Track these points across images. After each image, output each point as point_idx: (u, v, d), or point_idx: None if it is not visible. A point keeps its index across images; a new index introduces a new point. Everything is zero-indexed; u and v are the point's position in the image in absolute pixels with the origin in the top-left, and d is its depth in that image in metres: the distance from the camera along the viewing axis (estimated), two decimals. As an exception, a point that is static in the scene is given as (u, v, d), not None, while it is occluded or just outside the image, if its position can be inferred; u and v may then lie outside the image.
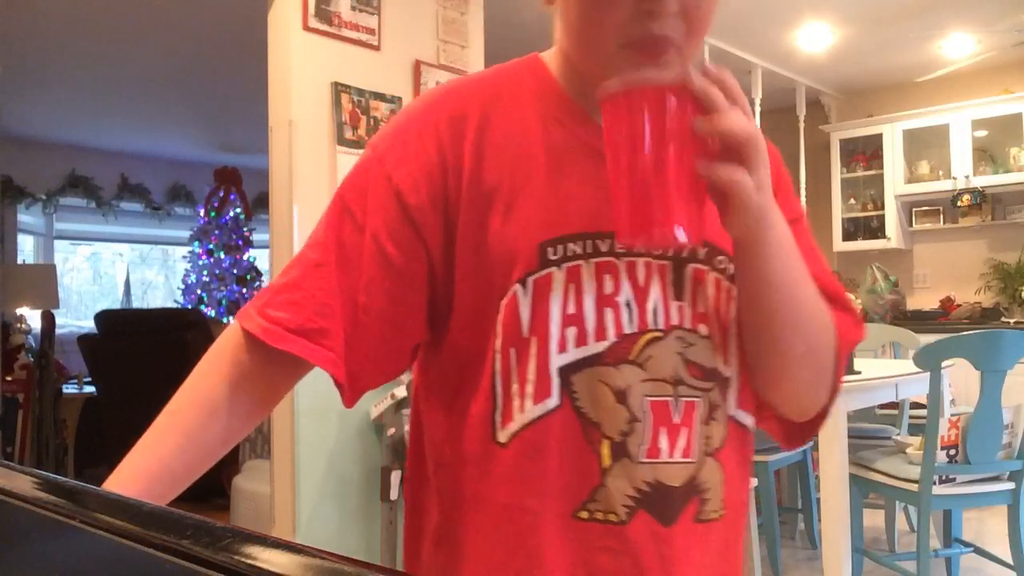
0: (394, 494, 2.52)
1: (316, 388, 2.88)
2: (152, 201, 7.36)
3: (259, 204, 7.22)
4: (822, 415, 0.83)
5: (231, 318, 6.93)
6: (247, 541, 0.35)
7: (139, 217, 7.37)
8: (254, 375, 0.77)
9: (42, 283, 5.23)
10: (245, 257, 7.21)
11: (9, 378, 4.48)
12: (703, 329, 0.77)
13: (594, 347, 0.74)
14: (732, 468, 0.79)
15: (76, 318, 7.29)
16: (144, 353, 4.64)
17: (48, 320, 4.47)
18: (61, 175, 6.79)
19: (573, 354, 0.74)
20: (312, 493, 2.61)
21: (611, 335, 0.74)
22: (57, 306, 5.13)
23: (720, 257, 0.78)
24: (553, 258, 0.74)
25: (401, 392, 2.56)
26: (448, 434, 0.79)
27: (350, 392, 0.77)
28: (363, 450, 2.72)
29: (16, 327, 4.99)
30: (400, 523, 2.62)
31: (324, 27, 2.70)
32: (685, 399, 0.75)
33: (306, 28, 2.65)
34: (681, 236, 0.65)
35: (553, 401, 0.73)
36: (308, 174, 2.65)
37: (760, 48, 4.66)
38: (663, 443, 0.74)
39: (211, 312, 6.87)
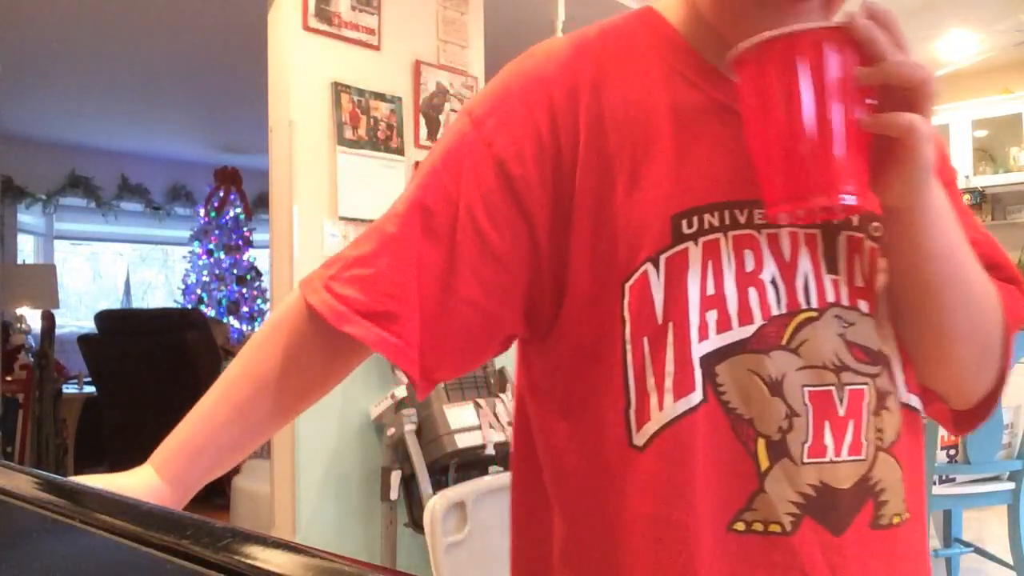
0: (394, 494, 2.52)
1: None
2: (152, 201, 7.37)
3: (259, 204, 7.21)
4: (990, 401, 0.72)
5: (231, 318, 6.95)
6: (247, 541, 0.35)
7: (139, 217, 7.37)
8: (312, 351, 0.70)
9: (42, 283, 5.23)
10: (245, 257, 7.21)
11: (9, 378, 4.48)
12: (863, 305, 0.67)
13: (739, 332, 0.64)
14: (910, 463, 0.68)
15: (76, 318, 7.28)
16: (144, 353, 4.64)
17: (48, 320, 4.47)
18: (61, 175, 6.79)
19: (715, 341, 0.64)
20: (312, 493, 2.60)
21: (757, 317, 0.64)
22: (57, 306, 5.13)
23: (875, 224, 0.68)
24: (688, 232, 0.65)
25: (401, 392, 2.56)
26: (571, 440, 0.69)
27: (423, 384, 0.70)
28: (363, 450, 2.72)
29: (16, 327, 4.99)
30: (400, 522, 2.62)
31: (324, 27, 2.70)
32: (850, 387, 0.65)
33: (306, 28, 2.65)
34: (849, 201, 0.57)
35: (697, 396, 0.64)
36: (308, 174, 2.65)
37: (760, 48, 4.66)
38: (828, 440, 0.64)
39: (211, 312, 6.87)
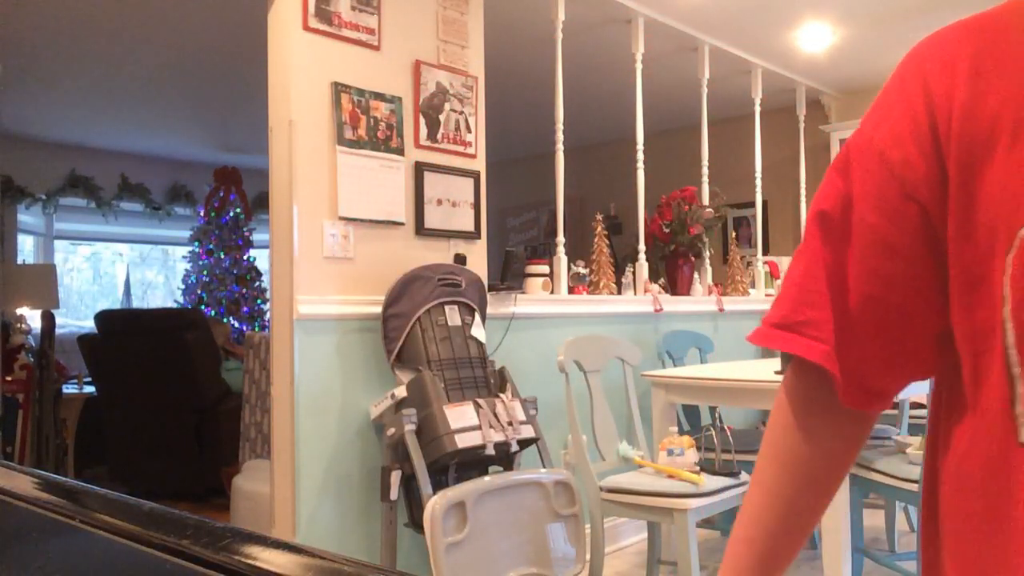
0: (394, 494, 2.52)
1: (316, 387, 2.85)
2: (152, 201, 7.37)
3: (259, 204, 7.22)
4: None
5: (231, 318, 6.95)
6: (247, 541, 0.35)
7: (139, 217, 7.37)
8: (800, 399, 0.71)
9: (42, 283, 5.23)
10: (245, 257, 7.21)
11: (9, 378, 4.48)
12: None
13: None
14: None
15: (76, 318, 7.29)
16: (144, 353, 4.64)
17: (48, 320, 4.47)
18: (61, 175, 6.79)
19: None
20: (312, 493, 2.61)
21: None
22: (57, 306, 5.13)
23: None
24: None
25: (401, 392, 2.56)
26: (964, 443, 0.63)
27: (847, 385, 0.67)
28: (363, 450, 2.72)
29: (16, 327, 4.98)
30: (400, 522, 2.62)
31: (324, 27, 2.70)
32: None
33: (306, 28, 2.65)
34: None
35: None
36: (308, 174, 2.65)
37: (760, 48, 4.66)
38: None
39: (211, 312, 6.87)
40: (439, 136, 3.04)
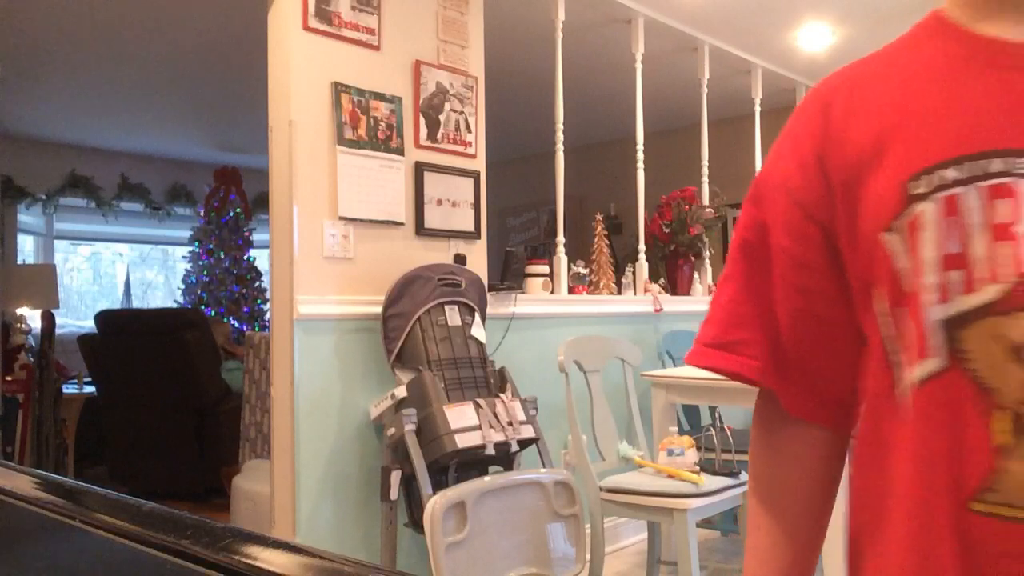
0: (394, 494, 2.52)
1: (316, 388, 2.85)
2: (152, 201, 7.36)
3: (259, 204, 7.21)
4: None
5: (231, 318, 6.95)
6: (247, 541, 0.35)
7: (139, 217, 7.37)
8: (767, 420, 0.78)
9: (42, 283, 5.23)
10: (245, 257, 7.21)
11: (9, 378, 4.48)
12: None
13: (985, 293, 0.60)
14: None
15: (76, 318, 7.29)
16: (144, 353, 4.65)
17: (48, 320, 4.47)
18: (61, 175, 6.79)
19: (958, 304, 0.60)
20: (312, 493, 2.61)
21: (1009, 275, 0.59)
22: (57, 306, 5.13)
23: None
24: (918, 192, 0.62)
25: (401, 392, 2.56)
26: (863, 428, 0.72)
27: (785, 397, 0.75)
28: (363, 450, 2.72)
29: (16, 327, 4.98)
30: (400, 522, 2.62)
31: (324, 27, 2.70)
32: None
33: (306, 28, 2.65)
34: None
35: (936, 363, 0.61)
36: (308, 174, 2.65)
37: (760, 48, 4.66)
38: None
39: (211, 312, 6.87)
40: (439, 136, 3.04)
